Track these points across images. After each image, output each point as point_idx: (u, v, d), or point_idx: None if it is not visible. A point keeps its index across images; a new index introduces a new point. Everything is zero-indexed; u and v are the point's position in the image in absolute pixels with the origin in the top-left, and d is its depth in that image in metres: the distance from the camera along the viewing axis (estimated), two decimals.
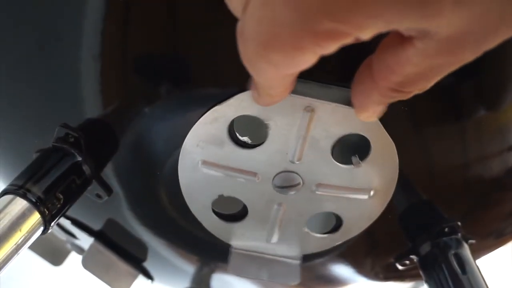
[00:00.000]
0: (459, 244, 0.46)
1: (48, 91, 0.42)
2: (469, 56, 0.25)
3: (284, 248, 0.47)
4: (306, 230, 0.45)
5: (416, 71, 0.26)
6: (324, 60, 0.25)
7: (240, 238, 0.47)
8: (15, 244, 0.37)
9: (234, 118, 0.39)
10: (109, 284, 0.52)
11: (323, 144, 0.39)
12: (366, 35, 0.23)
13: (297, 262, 0.47)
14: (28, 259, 0.64)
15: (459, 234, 0.46)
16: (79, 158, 0.42)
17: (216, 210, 0.46)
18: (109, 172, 0.45)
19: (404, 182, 0.42)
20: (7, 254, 0.37)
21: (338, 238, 0.45)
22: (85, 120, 0.42)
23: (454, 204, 0.47)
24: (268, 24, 0.24)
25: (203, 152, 0.41)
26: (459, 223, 0.46)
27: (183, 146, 0.41)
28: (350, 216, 0.43)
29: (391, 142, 0.39)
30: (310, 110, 0.37)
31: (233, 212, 0.46)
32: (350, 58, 0.31)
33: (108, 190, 0.45)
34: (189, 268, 0.55)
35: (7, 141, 0.47)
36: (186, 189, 0.44)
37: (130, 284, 0.53)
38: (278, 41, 0.24)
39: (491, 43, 0.24)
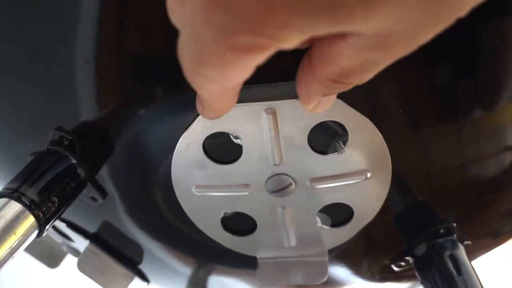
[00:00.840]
0: (454, 245, 0.46)
1: (42, 93, 0.42)
2: (401, 51, 0.25)
3: (308, 248, 0.47)
4: (320, 225, 0.44)
5: (351, 63, 0.26)
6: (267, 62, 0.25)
7: (262, 247, 0.47)
8: (9, 248, 0.37)
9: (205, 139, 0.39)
10: (104, 287, 0.52)
11: (298, 140, 0.39)
12: (287, 45, 0.23)
13: (325, 258, 0.47)
14: (24, 261, 0.64)
15: (455, 235, 0.46)
16: (74, 161, 0.42)
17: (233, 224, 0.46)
18: (104, 175, 0.45)
19: (400, 183, 0.42)
20: (1, 258, 0.37)
21: (356, 226, 0.45)
22: (80, 123, 0.42)
23: (450, 205, 0.46)
24: (194, 42, 0.24)
25: (192, 178, 0.42)
26: (454, 224, 0.46)
27: (172, 177, 0.42)
28: (358, 202, 0.43)
29: (364, 118, 0.38)
30: (270, 111, 0.37)
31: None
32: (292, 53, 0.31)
33: (103, 193, 0.45)
34: (185, 270, 0.55)
35: (2, 144, 0.47)
36: (192, 215, 0.45)
37: (126, 287, 0.53)
38: (205, 58, 0.24)
39: (423, 37, 0.24)
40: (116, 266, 0.52)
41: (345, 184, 0.41)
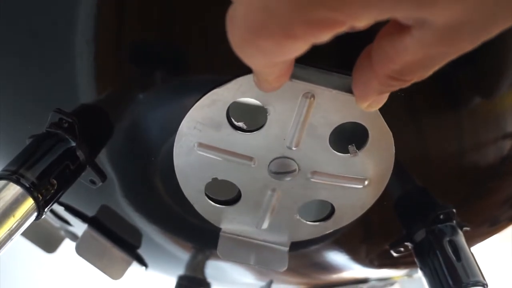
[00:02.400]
0: (454, 231, 0.46)
1: (42, 76, 0.42)
2: (467, 45, 0.24)
3: (274, 235, 0.47)
4: (298, 217, 0.45)
5: (414, 59, 0.25)
6: (326, 46, 0.25)
7: (231, 222, 0.47)
8: (8, 230, 0.37)
9: (232, 103, 0.39)
10: (103, 271, 0.52)
11: (321, 131, 0.38)
12: (361, 23, 0.23)
13: (286, 249, 0.47)
14: (22, 246, 0.64)
15: (454, 221, 0.46)
16: (73, 144, 0.42)
17: (211, 195, 0.46)
18: (103, 158, 0.45)
19: (400, 169, 0.42)
20: (0, 240, 0.37)
21: (329, 226, 0.45)
22: (80, 106, 0.42)
23: (450, 191, 0.47)
24: (260, 10, 0.23)
25: (200, 135, 0.41)
26: (454, 210, 0.46)
27: (179, 128, 0.41)
28: (343, 205, 0.43)
29: (389, 132, 0.38)
30: (310, 96, 0.36)
31: (227, 197, 0.46)
32: (352, 45, 0.31)
33: (102, 176, 0.45)
34: (183, 255, 0.55)
35: (0, 126, 0.47)
36: (180, 172, 0.44)
37: (124, 271, 0.53)
38: (268, 28, 0.23)
39: (489, 33, 0.24)
40: (114, 250, 0.51)
41: (340, 186, 0.42)
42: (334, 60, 0.36)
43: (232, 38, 0.26)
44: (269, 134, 0.39)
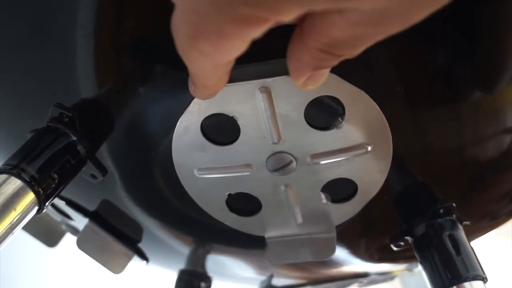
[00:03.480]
0: (453, 226, 0.46)
1: (42, 70, 0.42)
2: (394, 28, 0.25)
3: (315, 225, 0.47)
4: (325, 201, 0.44)
5: (343, 35, 0.26)
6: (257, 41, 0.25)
7: (270, 227, 0.47)
8: (9, 224, 0.37)
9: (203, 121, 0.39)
10: (104, 265, 0.52)
11: (294, 116, 0.38)
12: (285, 18, 0.23)
13: (332, 234, 0.47)
14: (24, 241, 0.64)
15: (454, 216, 0.46)
16: (74, 138, 0.42)
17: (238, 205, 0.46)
18: (104, 153, 0.45)
19: (399, 163, 0.42)
20: (1, 233, 0.37)
21: (361, 200, 0.44)
22: (80, 100, 0.42)
23: (449, 185, 0.47)
24: (192, 13, 0.24)
25: (193, 161, 0.42)
26: (454, 205, 0.46)
27: (174, 162, 0.42)
28: (361, 176, 0.43)
29: (359, 91, 0.38)
30: (264, 90, 0.36)
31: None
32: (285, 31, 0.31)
33: (103, 170, 0.45)
34: (184, 249, 0.55)
35: (1, 121, 0.47)
36: (198, 198, 0.45)
37: (125, 265, 0.53)
38: (202, 31, 0.24)
39: (416, 17, 0.24)
40: (115, 244, 0.52)
41: (346, 159, 0.41)
42: (271, 49, 0.35)
43: (176, 43, 0.26)
44: (249, 138, 0.40)
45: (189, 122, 0.39)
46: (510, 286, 1.21)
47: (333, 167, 0.42)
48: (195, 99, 0.38)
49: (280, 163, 0.41)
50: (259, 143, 0.40)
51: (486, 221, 0.55)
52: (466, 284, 0.44)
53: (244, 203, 0.46)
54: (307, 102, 0.38)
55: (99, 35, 0.38)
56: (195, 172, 0.42)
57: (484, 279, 0.45)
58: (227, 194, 0.44)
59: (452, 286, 0.44)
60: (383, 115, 0.39)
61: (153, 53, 0.39)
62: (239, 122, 0.39)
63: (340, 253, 0.53)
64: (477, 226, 0.49)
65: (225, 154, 0.41)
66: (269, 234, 0.47)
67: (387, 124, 0.40)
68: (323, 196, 0.44)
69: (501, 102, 0.41)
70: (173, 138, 0.40)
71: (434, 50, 0.37)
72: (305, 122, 0.39)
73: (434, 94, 0.40)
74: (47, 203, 0.40)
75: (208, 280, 0.64)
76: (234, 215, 0.46)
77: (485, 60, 0.39)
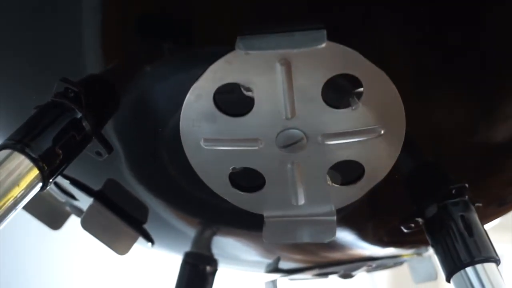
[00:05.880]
0: (466, 207, 0.46)
1: (48, 44, 0.41)
2: None
3: (316, 207, 0.45)
4: (330, 183, 0.43)
5: None
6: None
7: (270, 206, 0.46)
8: (13, 199, 0.37)
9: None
10: (108, 246, 0.51)
11: (311, 92, 0.37)
12: None
13: (333, 217, 0.46)
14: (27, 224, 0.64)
15: (466, 197, 0.46)
16: (79, 114, 0.41)
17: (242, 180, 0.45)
18: (109, 130, 0.44)
19: (412, 142, 0.41)
20: (5, 209, 0.36)
21: (366, 185, 0.43)
22: (86, 76, 0.41)
23: (461, 167, 0.46)
24: None
25: (201, 131, 0.41)
26: (466, 185, 0.45)
27: (181, 130, 0.41)
28: (369, 160, 0.42)
29: (380, 72, 0.37)
30: (285, 62, 0.35)
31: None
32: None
33: (109, 147, 0.44)
34: (190, 231, 0.55)
35: (5, 96, 0.46)
36: (200, 170, 0.44)
37: (130, 246, 0.52)
38: None
39: None
40: (120, 225, 0.51)
41: (357, 141, 0.40)
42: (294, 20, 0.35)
43: None
44: (262, 111, 0.39)
45: (202, 90, 0.38)
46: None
47: (343, 148, 0.41)
48: (211, 67, 0.37)
49: (290, 140, 0.40)
50: (271, 117, 0.39)
51: (495, 206, 0.54)
52: (479, 266, 0.43)
53: (247, 180, 0.45)
54: (326, 78, 0.37)
55: (106, 8, 0.37)
56: (202, 143, 0.41)
57: (497, 261, 0.44)
58: (231, 168, 0.43)
59: (464, 268, 0.43)
60: (401, 99, 0.38)
61: (160, 30, 0.38)
62: (253, 94, 0.38)
63: (348, 236, 0.52)
64: (485, 212, 0.48)
65: (235, 126, 0.40)
66: (268, 213, 0.46)
67: (403, 109, 0.39)
68: (328, 177, 0.43)
69: None
70: (183, 107, 0.39)
71: (450, 27, 0.37)
72: (321, 100, 0.38)
73: (447, 73, 0.39)
74: (51, 180, 0.40)
75: (214, 263, 0.64)
76: (235, 191, 0.44)
77: (504, 38, 0.38)
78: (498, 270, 0.44)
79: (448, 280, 0.45)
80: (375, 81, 0.37)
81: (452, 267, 0.44)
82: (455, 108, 0.41)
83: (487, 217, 0.52)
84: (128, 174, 0.48)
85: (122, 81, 0.42)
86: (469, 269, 0.43)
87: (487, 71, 0.40)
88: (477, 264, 0.43)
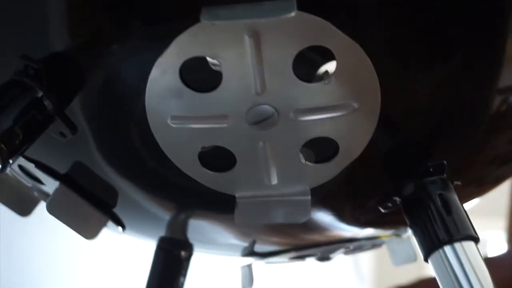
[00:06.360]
0: (444, 185, 0.44)
1: (8, 20, 0.39)
2: None
3: (289, 187, 0.44)
4: (304, 162, 0.42)
5: None
6: None
7: (242, 186, 0.44)
8: None
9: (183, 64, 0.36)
10: (76, 230, 0.49)
11: (282, 66, 0.36)
12: None
13: (307, 197, 0.44)
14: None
15: (445, 175, 0.44)
16: (40, 93, 0.39)
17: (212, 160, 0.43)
18: (75, 109, 0.42)
19: (386, 119, 0.40)
20: None
21: (340, 163, 0.42)
22: (49, 54, 0.39)
23: (438, 144, 0.45)
24: None
25: (167, 108, 0.39)
26: (444, 162, 0.44)
27: (147, 108, 0.39)
28: (344, 136, 0.40)
29: (354, 44, 0.35)
30: (253, 34, 0.34)
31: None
32: None
33: (72, 127, 0.42)
34: (162, 214, 0.53)
35: None
36: (168, 150, 0.42)
37: (99, 231, 0.51)
38: None
39: None
40: (88, 208, 0.49)
41: (330, 117, 0.38)
42: None
43: None
44: (231, 87, 0.37)
45: (167, 64, 0.36)
46: None
47: (316, 125, 0.39)
48: (176, 40, 0.35)
49: (261, 116, 0.38)
50: (241, 92, 0.37)
51: (474, 186, 0.53)
52: (457, 244, 0.42)
53: (218, 159, 0.43)
54: (297, 51, 0.35)
55: None
56: (169, 120, 0.39)
57: (476, 240, 0.43)
58: (200, 147, 0.41)
59: (442, 246, 0.42)
60: (375, 72, 0.37)
61: (127, 7, 0.37)
62: (221, 68, 0.36)
63: (325, 217, 0.51)
64: (464, 192, 0.47)
65: (203, 102, 0.38)
66: (240, 193, 0.45)
67: (378, 83, 0.37)
68: (301, 155, 0.42)
69: (497, 61, 0.40)
70: (148, 82, 0.37)
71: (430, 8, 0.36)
72: (292, 73, 0.36)
73: (426, 47, 0.38)
74: (10, 161, 0.38)
75: (189, 248, 0.62)
76: (205, 170, 0.43)
77: (481, 12, 0.37)
78: (477, 248, 0.43)
79: (426, 260, 0.44)
80: (348, 54, 0.36)
81: (430, 246, 0.43)
82: (432, 83, 0.40)
83: (465, 197, 0.51)
84: (95, 156, 0.46)
85: (85, 58, 0.40)
86: (447, 248, 0.42)
87: (467, 47, 0.39)
88: (456, 242, 0.42)
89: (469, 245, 0.43)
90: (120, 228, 0.54)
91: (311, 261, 0.65)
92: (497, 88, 0.42)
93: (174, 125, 0.39)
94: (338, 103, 0.38)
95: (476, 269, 0.42)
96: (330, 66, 0.37)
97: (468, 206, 0.55)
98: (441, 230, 0.43)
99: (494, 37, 0.39)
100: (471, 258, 0.42)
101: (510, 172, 0.58)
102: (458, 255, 0.42)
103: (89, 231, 0.50)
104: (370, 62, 0.36)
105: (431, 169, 0.44)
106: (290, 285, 1.54)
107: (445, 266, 0.42)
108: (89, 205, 0.49)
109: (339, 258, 0.69)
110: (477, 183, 0.55)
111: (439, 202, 0.44)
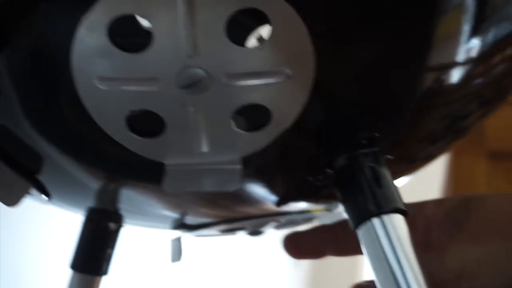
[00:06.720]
0: (376, 158, 0.45)
1: None
2: None
3: (219, 155, 0.43)
4: (236, 129, 0.41)
5: None
6: None
7: (171, 153, 0.43)
8: None
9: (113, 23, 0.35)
10: None
11: (215, 27, 0.35)
12: None
13: (238, 166, 0.43)
14: None
15: (377, 148, 0.45)
16: None
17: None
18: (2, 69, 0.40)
19: (320, 88, 0.39)
20: None
21: (272, 131, 0.41)
22: None
23: (372, 117, 0.45)
24: None
25: (95, 69, 0.37)
26: (377, 135, 0.44)
27: (73, 70, 0.37)
28: (276, 104, 0.39)
29: (289, 8, 0.35)
30: None
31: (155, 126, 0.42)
32: None
33: None
34: (90, 183, 0.51)
35: None
36: (94, 113, 0.40)
37: (21, 197, 0.48)
38: None
39: None
40: (10, 174, 0.46)
41: (263, 83, 0.38)
42: None
43: None
44: (162, 48, 0.36)
45: (95, 22, 0.35)
46: None
47: (249, 91, 0.39)
48: None
49: (192, 79, 0.37)
50: (171, 54, 0.36)
51: (405, 163, 0.54)
52: (385, 217, 0.43)
53: (147, 125, 0.42)
54: (231, 13, 0.34)
55: None
56: (96, 82, 0.37)
57: (404, 213, 0.44)
58: (128, 111, 0.40)
59: (370, 218, 0.43)
60: (310, 40, 0.36)
61: None
62: (152, 28, 0.35)
63: (256, 188, 0.51)
64: (395, 168, 0.47)
65: (132, 63, 0.37)
66: (170, 161, 0.43)
67: (312, 51, 0.37)
68: (233, 123, 0.41)
69: (428, 39, 0.40)
70: (75, 40, 0.36)
71: None
72: (226, 36, 0.35)
73: (363, 24, 0.38)
74: None
75: (118, 219, 0.60)
76: (133, 136, 0.41)
77: None
78: (405, 222, 0.44)
79: (354, 232, 0.44)
80: (283, 18, 0.35)
81: (358, 218, 0.44)
82: (366, 56, 0.40)
83: (396, 174, 0.51)
84: (19, 118, 0.44)
85: (9, 15, 0.38)
86: (375, 220, 0.43)
87: (401, 22, 0.39)
88: (384, 214, 0.43)
89: (397, 218, 0.43)
90: (44, 197, 0.52)
91: (245, 245, 0.65)
92: (430, 65, 0.42)
93: (101, 87, 0.38)
94: (271, 69, 0.37)
95: (403, 242, 0.43)
96: (265, 31, 0.36)
97: (398, 184, 0.55)
98: (370, 202, 0.43)
99: (427, 14, 0.39)
100: (399, 230, 0.43)
101: (440, 152, 0.59)
102: (386, 227, 0.43)
103: (10, 198, 0.47)
104: (306, 29, 0.36)
105: (363, 142, 0.44)
106: (223, 271, 1.53)
107: (373, 238, 0.43)
108: (11, 171, 0.47)
109: (275, 243, 0.69)
110: (408, 161, 0.55)
111: (370, 175, 0.44)
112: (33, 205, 0.57)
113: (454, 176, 2.38)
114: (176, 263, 0.66)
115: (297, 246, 0.64)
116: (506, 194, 0.58)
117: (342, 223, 0.61)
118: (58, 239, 0.98)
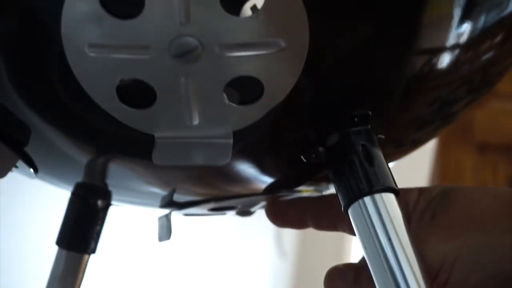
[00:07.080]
0: (368, 136, 0.44)
1: None
2: None
3: (211, 128, 0.42)
4: (228, 102, 0.40)
5: None
6: None
7: (162, 125, 0.42)
8: None
9: None
10: None
11: None
12: None
13: (229, 140, 0.42)
14: None
15: (369, 126, 0.44)
16: None
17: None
18: None
19: (314, 62, 0.39)
20: None
21: (265, 105, 0.40)
22: None
23: (365, 94, 0.45)
24: None
25: (85, 35, 0.36)
26: (369, 113, 0.43)
27: (62, 34, 0.36)
28: (269, 77, 0.39)
29: None
30: None
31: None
32: None
33: None
34: (78, 157, 0.50)
35: None
36: (84, 81, 0.39)
37: (8, 169, 0.47)
38: None
39: None
40: None
41: (257, 55, 0.37)
42: None
43: None
44: (154, 15, 0.35)
45: None
46: None
47: (242, 62, 0.38)
48: None
49: (184, 48, 0.36)
50: (164, 21, 0.35)
51: (391, 148, 0.53)
52: (377, 195, 0.42)
53: (138, 95, 0.41)
54: None
55: None
56: (86, 49, 0.37)
57: (396, 192, 0.43)
58: (119, 79, 0.39)
59: (362, 197, 0.42)
60: (306, 12, 0.36)
61: None
62: None
63: (247, 166, 0.50)
64: (383, 151, 0.47)
65: (123, 30, 0.36)
66: (160, 133, 0.43)
67: (307, 23, 0.36)
68: (225, 95, 0.40)
69: (419, 22, 0.40)
70: (64, 6, 0.35)
71: None
72: (219, 4, 0.35)
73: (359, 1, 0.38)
74: None
75: (107, 196, 0.60)
76: (123, 106, 0.40)
77: None
78: (398, 201, 0.43)
79: (345, 211, 0.44)
80: None
81: (350, 197, 0.43)
82: (360, 33, 0.40)
83: (384, 157, 0.51)
84: (6, 88, 0.43)
85: None
86: (367, 199, 0.42)
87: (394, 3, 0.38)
88: (376, 193, 0.42)
89: (389, 196, 0.43)
90: (31, 170, 0.51)
91: (230, 236, 0.64)
92: (420, 48, 0.42)
93: (91, 54, 0.37)
94: (265, 40, 0.37)
95: (394, 221, 0.42)
96: (259, 1, 0.36)
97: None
98: (362, 180, 0.43)
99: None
100: (390, 209, 0.42)
101: (427, 137, 0.59)
102: (377, 206, 0.42)
103: None
104: (302, 1, 0.35)
105: (355, 119, 0.44)
106: (209, 263, 1.53)
107: (364, 217, 0.42)
108: None
109: (260, 234, 0.69)
110: (395, 145, 0.55)
111: (361, 153, 0.44)
112: (20, 180, 0.56)
113: (441, 168, 2.39)
114: (163, 246, 0.65)
115: (280, 214, 0.64)
116: (488, 187, 0.58)
117: (324, 196, 0.61)
118: (44, 216, 0.97)
